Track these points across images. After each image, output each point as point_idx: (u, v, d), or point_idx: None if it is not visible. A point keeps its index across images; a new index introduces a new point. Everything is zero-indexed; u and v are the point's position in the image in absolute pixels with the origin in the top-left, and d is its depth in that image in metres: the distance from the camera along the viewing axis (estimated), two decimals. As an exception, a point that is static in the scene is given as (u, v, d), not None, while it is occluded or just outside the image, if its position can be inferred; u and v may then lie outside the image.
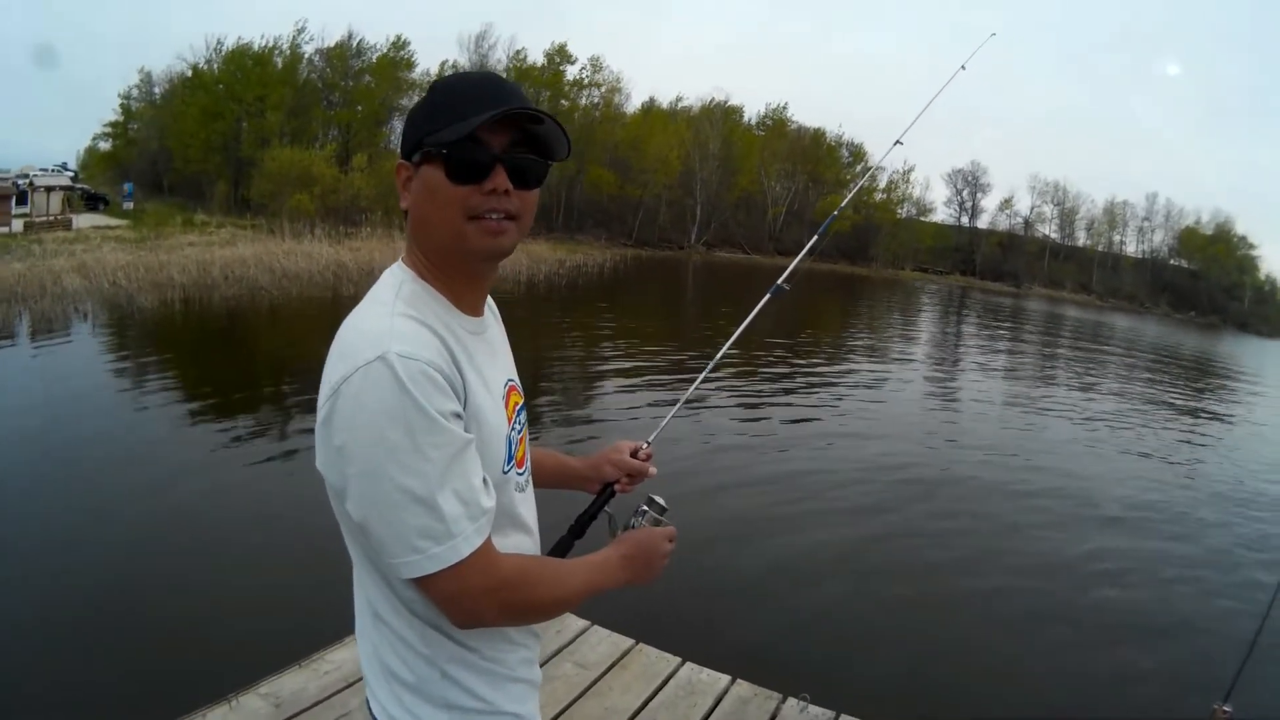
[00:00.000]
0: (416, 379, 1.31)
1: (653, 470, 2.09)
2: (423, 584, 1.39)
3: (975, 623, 7.27)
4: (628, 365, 16.84)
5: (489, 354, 1.56)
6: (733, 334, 2.61)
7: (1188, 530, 10.73)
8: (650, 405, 12.92)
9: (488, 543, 1.41)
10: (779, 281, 2.73)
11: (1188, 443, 17.06)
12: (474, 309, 1.56)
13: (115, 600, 5.96)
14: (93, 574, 6.31)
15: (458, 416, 1.38)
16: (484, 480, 1.43)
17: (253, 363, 14.98)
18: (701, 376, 2.59)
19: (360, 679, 3.62)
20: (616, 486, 2.04)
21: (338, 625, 3.82)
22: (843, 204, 3.87)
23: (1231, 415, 22.61)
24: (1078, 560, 8.98)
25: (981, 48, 3.72)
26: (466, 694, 1.54)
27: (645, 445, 2.15)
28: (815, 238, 3.02)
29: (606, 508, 2.01)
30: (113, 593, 6.08)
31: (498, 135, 1.40)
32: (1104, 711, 6.16)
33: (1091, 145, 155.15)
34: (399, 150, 1.50)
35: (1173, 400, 23.49)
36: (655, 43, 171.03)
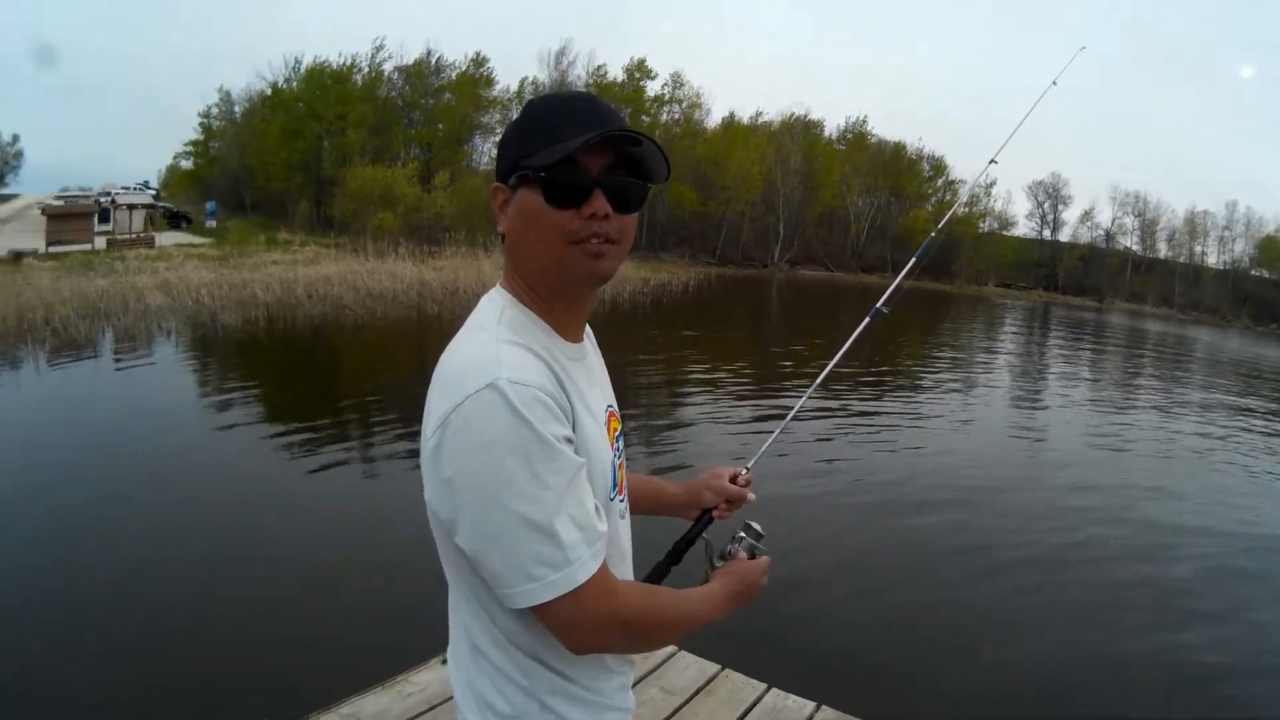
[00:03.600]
0: (529, 404, 1.28)
1: (751, 496, 2.05)
2: (540, 612, 1.34)
3: (1080, 659, 6.94)
4: (717, 389, 16.52)
5: (589, 380, 1.51)
6: (832, 359, 2.55)
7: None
8: (744, 430, 12.66)
9: (604, 568, 1.37)
10: (879, 304, 2.61)
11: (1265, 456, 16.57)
12: (574, 335, 1.53)
13: (193, 617, 5.87)
14: (172, 591, 6.23)
15: (569, 441, 1.34)
16: (595, 505, 1.39)
17: (338, 382, 14.86)
18: (801, 402, 2.47)
19: (443, 702, 3.71)
20: (715, 513, 2.01)
21: (421, 648, 4.02)
22: (940, 225, 3.78)
23: None
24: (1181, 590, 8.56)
25: (1072, 61, 3.61)
26: None
27: (744, 471, 2.11)
28: (913, 261, 2.86)
29: (704, 534, 1.95)
30: (192, 610, 6.00)
31: (596, 158, 1.37)
32: None
33: (1171, 154, 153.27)
34: (490, 170, 1.59)
35: (1255, 412, 22.89)
36: (731, 56, 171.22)
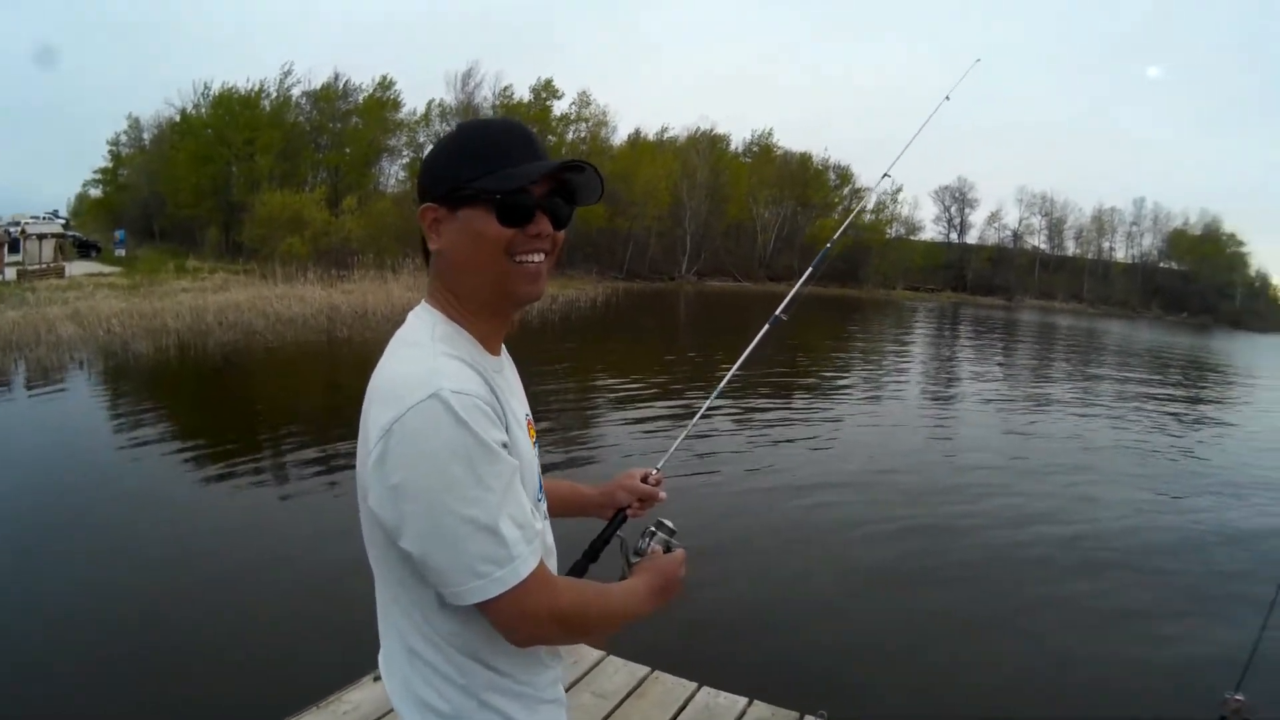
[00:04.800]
0: (471, 412, 1.36)
1: (663, 495, 2.15)
2: (485, 608, 1.42)
3: (986, 632, 7.26)
4: (627, 397, 16.97)
5: (509, 390, 1.59)
6: (734, 363, 2.69)
7: (1187, 523, 10.90)
8: (655, 434, 13.07)
9: (543, 564, 1.46)
10: (777, 312, 2.79)
11: (1183, 438, 17.48)
12: (496, 349, 1.61)
13: (117, 645, 5.88)
14: (94, 618, 6.25)
15: (505, 446, 1.42)
16: (530, 505, 1.48)
17: (251, 407, 14.93)
18: (706, 405, 2.67)
19: (380, 718, 3.74)
20: (629, 512, 2.10)
21: (352, 665, 3.92)
22: (834, 237, 3.68)
23: (1228, 408, 23.24)
24: (1083, 558, 9.07)
25: (966, 75, 3.72)
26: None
27: (655, 471, 2.20)
28: (809, 271, 3.05)
29: (619, 533, 2.04)
30: (115, 637, 6.01)
31: (539, 183, 1.49)
32: (1120, 710, 6.14)
33: (1077, 155, 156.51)
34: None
35: (1166, 398, 23.97)
36: (640, 75, 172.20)
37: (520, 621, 1.45)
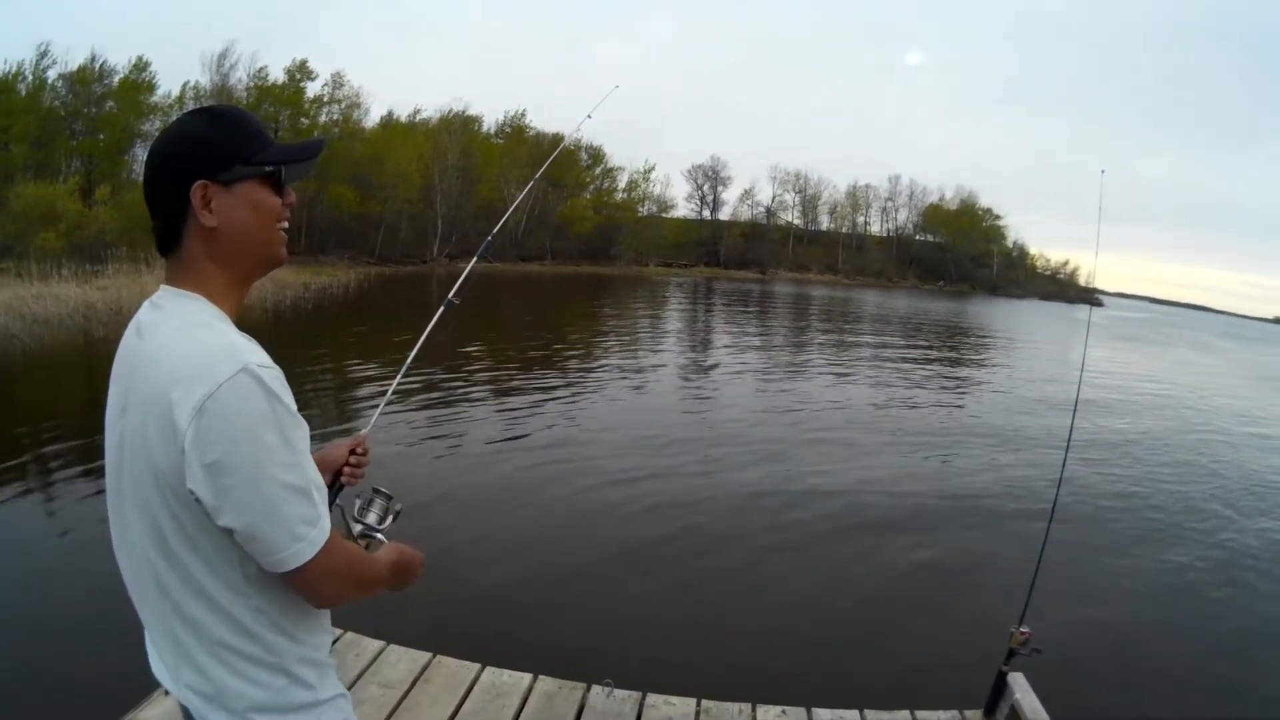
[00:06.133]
0: (276, 384, 1.50)
1: (368, 461, 2.30)
2: (298, 571, 1.54)
3: (749, 591, 7.69)
4: (358, 377, 17.59)
5: None
6: (413, 348, 2.89)
7: (957, 480, 11.92)
8: (370, 407, 12.52)
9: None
10: (450, 295, 2.95)
11: (946, 397, 19.55)
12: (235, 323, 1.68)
13: None
14: None
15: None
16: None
17: (12, 416, 13.65)
18: (396, 381, 2.88)
19: None
20: (343, 479, 2.22)
21: (135, 684, 3.61)
22: (494, 230, 3.85)
23: (988, 366, 26.30)
24: (866, 520, 9.75)
25: (605, 99, 4.13)
26: (309, 690, 1.70)
27: (363, 433, 2.35)
28: (475, 258, 3.22)
29: (337, 501, 2.12)
30: None
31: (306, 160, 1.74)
32: (912, 659, 6.58)
33: (834, 137, 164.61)
34: (183, 172, 1.60)
35: (927, 359, 26.72)
36: (399, 57, 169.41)
37: (327, 579, 1.60)
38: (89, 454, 10.41)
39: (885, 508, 10.30)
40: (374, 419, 2.61)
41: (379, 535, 2.13)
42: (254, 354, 1.54)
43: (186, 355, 1.51)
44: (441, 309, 2.93)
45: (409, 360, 2.86)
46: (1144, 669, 6.85)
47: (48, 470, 10.22)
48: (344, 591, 1.69)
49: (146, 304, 1.71)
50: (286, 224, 1.77)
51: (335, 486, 2.20)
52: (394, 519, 2.20)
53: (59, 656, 5.63)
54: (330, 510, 1.79)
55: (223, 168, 1.62)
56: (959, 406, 19.06)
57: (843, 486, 11.00)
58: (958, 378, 24.00)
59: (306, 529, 1.54)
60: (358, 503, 2.18)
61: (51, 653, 5.72)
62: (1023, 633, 4.12)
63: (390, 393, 2.94)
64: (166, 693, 2.51)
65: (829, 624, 7.12)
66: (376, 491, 2.18)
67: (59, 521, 8.59)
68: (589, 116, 4.12)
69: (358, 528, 2.12)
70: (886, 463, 12.64)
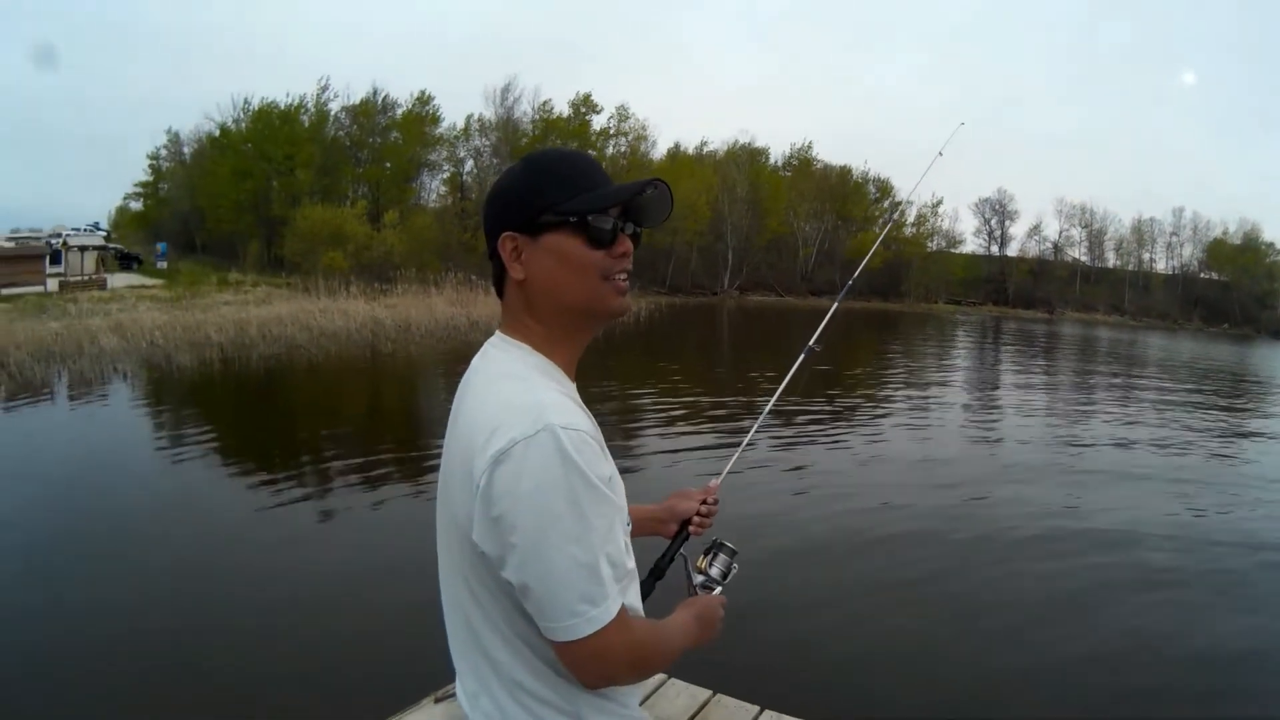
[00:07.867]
0: (580, 449, 1.35)
1: (716, 510, 2.19)
2: (566, 646, 1.42)
3: (1025, 649, 6.88)
4: (677, 414, 16.39)
5: None
6: (774, 394, 2.71)
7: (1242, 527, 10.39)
8: (708, 453, 12.52)
9: (622, 605, 1.45)
10: (810, 343, 2.84)
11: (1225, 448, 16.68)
12: (573, 376, 1.62)
13: (166, 661, 5.64)
14: (142, 634, 6.02)
15: (611, 479, 1.42)
16: (626, 543, 1.49)
17: (295, 421, 14.62)
18: (753, 430, 2.69)
19: None
20: (691, 528, 2.12)
21: (406, 688, 3.69)
22: (860, 265, 3.84)
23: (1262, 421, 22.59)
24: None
25: (954, 135, 3.88)
26: None
27: (714, 481, 2.27)
28: (837, 301, 3.11)
29: (681, 550, 2.06)
30: (164, 654, 5.75)
31: (615, 207, 1.52)
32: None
33: (1116, 164, 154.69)
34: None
35: (1207, 409, 23.18)
36: (677, 87, 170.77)
37: (595, 662, 1.45)
38: (369, 460, 10.79)
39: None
40: (728, 468, 2.45)
41: (718, 589, 1.96)
42: (561, 414, 1.39)
43: (494, 405, 1.45)
44: (803, 355, 2.79)
45: (768, 408, 2.71)
46: None
47: (329, 475, 10.57)
48: (614, 675, 1.53)
49: (482, 349, 1.65)
50: (624, 275, 1.57)
51: (681, 535, 2.12)
52: (733, 574, 2.02)
53: (330, 651, 5.80)
54: (672, 559, 2.04)
55: (528, 218, 1.51)
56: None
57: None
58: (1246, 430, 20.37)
59: (586, 607, 1.39)
60: (701, 554, 2.01)
61: (322, 647, 5.88)
62: None
63: (745, 444, 2.63)
64: (437, 700, 2.83)
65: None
66: (721, 545, 1.99)
67: (337, 525, 8.78)
68: (940, 154, 3.82)
69: (699, 578, 1.95)
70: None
